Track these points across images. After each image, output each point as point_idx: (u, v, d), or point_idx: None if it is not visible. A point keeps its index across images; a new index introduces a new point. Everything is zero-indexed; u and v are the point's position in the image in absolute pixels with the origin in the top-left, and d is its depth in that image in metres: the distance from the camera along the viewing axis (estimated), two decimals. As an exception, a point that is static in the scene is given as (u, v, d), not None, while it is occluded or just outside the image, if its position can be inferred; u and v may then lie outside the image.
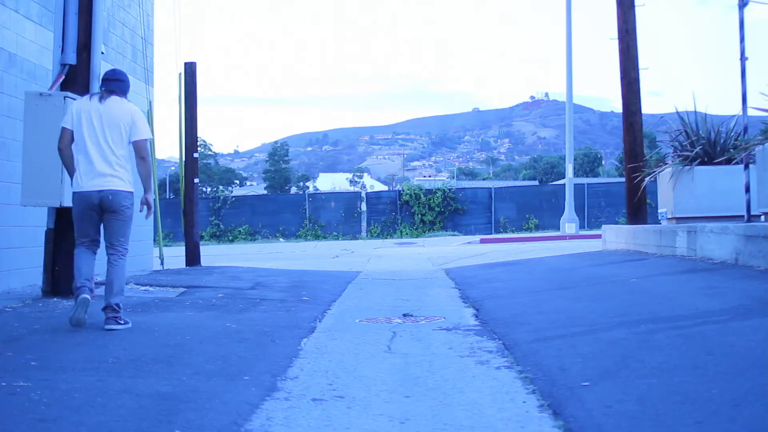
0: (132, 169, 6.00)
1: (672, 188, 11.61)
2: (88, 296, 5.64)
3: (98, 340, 5.10)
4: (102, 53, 7.92)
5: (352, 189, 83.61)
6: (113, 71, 6.02)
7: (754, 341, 4.20)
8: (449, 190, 35.62)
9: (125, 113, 5.82)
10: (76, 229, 5.89)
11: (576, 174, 41.47)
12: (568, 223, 25.22)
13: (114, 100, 5.84)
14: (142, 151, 5.90)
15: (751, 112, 9.67)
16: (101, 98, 5.82)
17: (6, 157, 8.44)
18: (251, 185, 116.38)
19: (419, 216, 34.83)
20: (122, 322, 5.66)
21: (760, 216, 9.71)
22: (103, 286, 5.88)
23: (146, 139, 5.91)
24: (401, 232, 34.48)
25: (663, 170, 12.20)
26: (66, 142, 5.84)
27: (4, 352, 4.61)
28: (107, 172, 5.81)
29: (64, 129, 5.85)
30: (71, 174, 5.91)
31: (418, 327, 6.12)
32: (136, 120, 5.86)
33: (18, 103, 8.33)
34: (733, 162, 10.93)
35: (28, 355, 4.54)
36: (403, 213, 35.30)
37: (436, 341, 5.43)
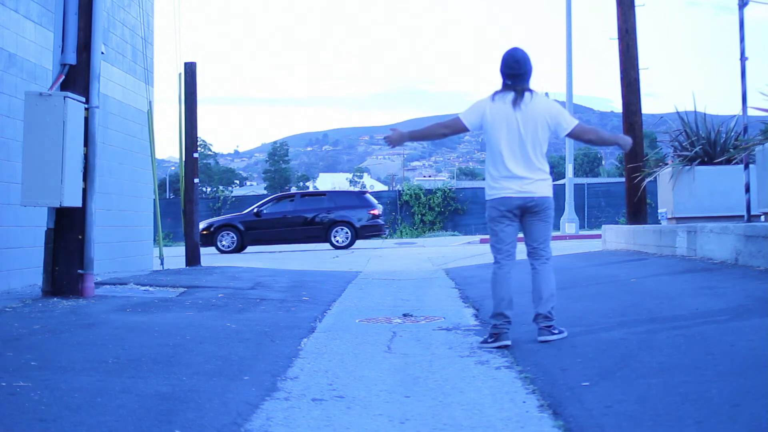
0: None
1: (672, 188, 11.61)
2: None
3: (98, 340, 5.10)
4: (102, 53, 7.92)
5: (352, 189, 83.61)
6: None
7: (754, 341, 4.20)
8: (449, 190, 35.63)
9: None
10: None
11: (576, 174, 41.48)
12: (568, 223, 25.22)
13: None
14: None
15: (751, 112, 9.68)
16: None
17: (6, 157, 8.44)
18: (251, 185, 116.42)
19: (419, 216, 34.84)
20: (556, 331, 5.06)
21: (760, 216, 9.71)
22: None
23: None
24: (401, 232, 34.48)
25: (663, 170, 12.20)
26: None
27: (4, 352, 4.61)
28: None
29: None
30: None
31: (418, 327, 6.12)
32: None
33: (18, 103, 8.33)
34: (733, 162, 10.93)
35: (28, 355, 4.53)
36: (403, 213, 35.32)
37: (436, 341, 5.43)
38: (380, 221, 22.83)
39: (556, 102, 5.50)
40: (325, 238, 22.17)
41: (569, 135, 5.17)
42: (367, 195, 23.92)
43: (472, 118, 5.20)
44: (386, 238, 33.43)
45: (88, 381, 3.90)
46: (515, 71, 5.12)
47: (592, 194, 35.78)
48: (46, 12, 9.12)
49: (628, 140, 5.39)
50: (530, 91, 5.14)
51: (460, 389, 3.97)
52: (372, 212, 22.50)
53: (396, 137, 5.41)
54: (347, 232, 22.14)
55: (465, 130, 5.27)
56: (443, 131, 5.35)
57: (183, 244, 14.42)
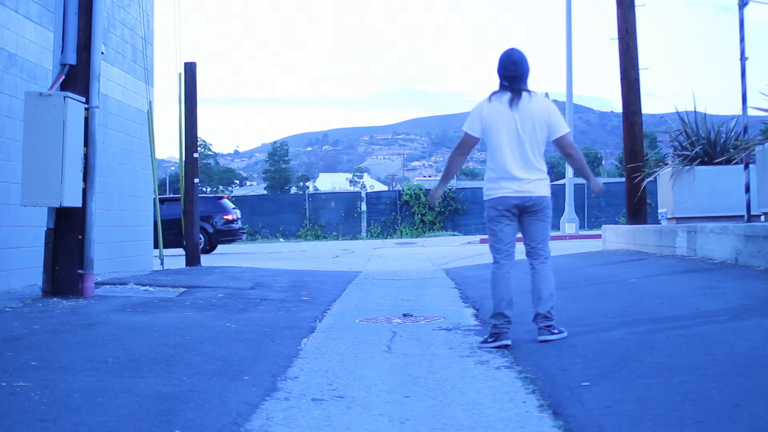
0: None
1: (672, 188, 11.61)
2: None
3: (98, 340, 5.10)
4: (102, 53, 7.92)
5: (352, 189, 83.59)
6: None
7: (754, 341, 4.20)
8: (449, 190, 35.61)
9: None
10: None
11: (576, 174, 41.58)
12: (568, 223, 25.26)
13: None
14: None
15: (751, 112, 9.68)
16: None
17: (6, 157, 8.44)
18: (251, 185, 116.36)
19: (419, 216, 34.84)
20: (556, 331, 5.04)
21: (760, 216, 9.71)
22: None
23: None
24: (401, 232, 34.50)
25: (663, 170, 12.20)
26: None
27: (4, 352, 4.61)
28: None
29: None
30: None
31: (418, 327, 6.12)
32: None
33: (18, 103, 8.33)
34: (733, 162, 10.93)
35: (28, 355, 4.54)
36: (403, 213, 35.32)
37: (436, 341, 5.44)
38: (235, 226, 22.67)
39: (555, 104, 5.52)
40: (179, 243, 22.16)
41: (557, 140, 5.18)
42: (224, 200, 23.66)
43: (473, 125, 5.21)
44: (387, 237, 33.44)
45: (88, 381, 3.90)
46: (512, 72, 5.10)
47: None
48: (46, 12, 9.12)
49: (599, 185, 5.49)
50: (528, 91, 5.13)
51: (460, 389, 3.97)
52: (226, 217, 22.36)
53: (436, 194, 5.54)
54: (201, 238, 22.19)
55: (475, 139, 5.23)
56: (460, 152, 5.31)
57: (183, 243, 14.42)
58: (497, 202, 5.12)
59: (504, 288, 5.15)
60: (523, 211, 5.14)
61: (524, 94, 5.11)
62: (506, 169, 5.08)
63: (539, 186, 5.14)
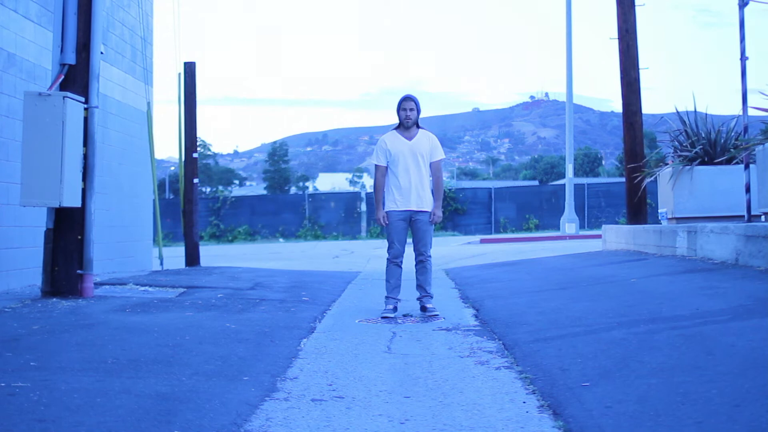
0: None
1: (672, 188, 11.60)
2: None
3: (98, 341, 5.09)
4: (101, 53, 7.92)
5: (351, 189, 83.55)
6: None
7: (754, 341, 4.20)
8: (449, 190, 35.61)
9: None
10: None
11: (576, 174, 41.44)
12: (568, 223, 25.22)
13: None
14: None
15: (751, 112, 9.66)
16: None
17: (5, 157, 8.44)
18: (251, 185, 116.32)
19: (419, 216, 34.81)
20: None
21: (760, 216, 9.71)
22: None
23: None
24: (401, 232, 34.47)
25: (663, 170, 12.19)
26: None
27: (3, 352, 4.61)
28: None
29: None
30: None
31: (418, 327, 6.11)
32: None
33: (17, 103, 8.33)
34: (734, 162, 10.92)
35: (28, 355, 4.53)
36: (403, 213, 35.28)
37: (436, 341, 5.43)
38: None
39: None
40: None
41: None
42: None
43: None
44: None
45: (88, 381, 3.90)
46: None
47: (592, 194, 35.78)
48: (46, 12, 9.12)
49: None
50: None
51: (459, 389, 3.97)
52: None
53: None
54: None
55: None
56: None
57: (182, 244, 14.43)
58: None
59: None
60: None
61: None
62: None
63: None
